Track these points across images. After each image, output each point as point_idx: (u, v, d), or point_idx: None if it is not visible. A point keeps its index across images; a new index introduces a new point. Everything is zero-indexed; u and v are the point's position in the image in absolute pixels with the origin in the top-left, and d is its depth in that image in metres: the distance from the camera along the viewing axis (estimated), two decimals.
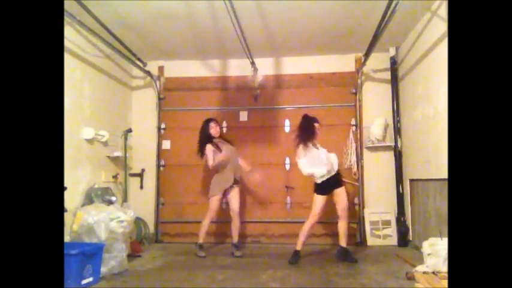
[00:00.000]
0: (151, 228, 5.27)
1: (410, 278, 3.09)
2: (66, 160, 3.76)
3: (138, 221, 4.85)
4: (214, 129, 4.39)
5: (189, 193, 5.30)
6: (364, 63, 5.03)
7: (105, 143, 4.70)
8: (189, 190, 5.30)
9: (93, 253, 3.15)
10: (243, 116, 5.43)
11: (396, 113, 5.01)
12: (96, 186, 4.35)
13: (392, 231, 4.93)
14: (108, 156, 4.81)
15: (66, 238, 3.48)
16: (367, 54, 4.74)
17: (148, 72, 5.47)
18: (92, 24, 3.98)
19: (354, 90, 5.28)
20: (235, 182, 4.39)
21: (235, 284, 3.18)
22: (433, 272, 2.95)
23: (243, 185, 5.02)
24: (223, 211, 4.85)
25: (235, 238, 4.41)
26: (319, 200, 3.93)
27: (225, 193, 4.40)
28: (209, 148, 4.28)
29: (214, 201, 4.30)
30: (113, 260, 3.42)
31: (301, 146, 3.99)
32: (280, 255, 4.28)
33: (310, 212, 3.98)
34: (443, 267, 2.92)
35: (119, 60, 5.14)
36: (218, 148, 4.29)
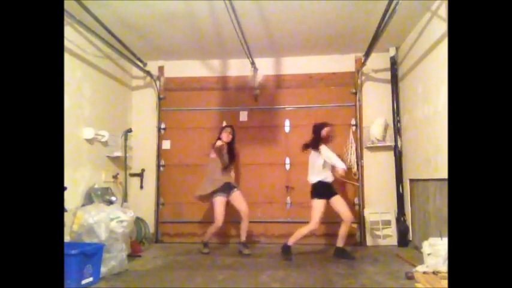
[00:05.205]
0: (151, 228, 5.27)
1: (410, 278, 3.09)
2: (66, 160, 3.76)
3: (138, 221, 4.85)
4: (225, 136, 4.60)
5: (189, 193, 5.28)
6: (364, 63, 5.03)
7: (105, 143, 4.70)
8: (189, 190, 5.28)
9: (93, 253, 3.15)
10: (243, 116, 5.42)
11: (396, 113, 5.01)
12: (96, 186, 4.35)
13: (392, 231, 4.93)
14: (108, 156, 4.81)
15: (66, 238, 3.48)
16: (367, 54, 4.74)
17: (148, 72, 5.47)
18: (92, 24, 3.98)
19: (354, 90, 5.28)
20: (233, 186, 4.53)
21: (235, 284, 3.18)
22: (433, 272, 2.96)
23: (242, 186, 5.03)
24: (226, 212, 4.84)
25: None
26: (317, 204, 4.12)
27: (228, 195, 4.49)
28: (218, 142, 4.54)
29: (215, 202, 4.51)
30: (113, 260, 3.42)
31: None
32: (280, 255, 4.28)
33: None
34: (443, 267, 2.93)
35: (119, 60, 5.14)
36: (222, 149, 4.53)
